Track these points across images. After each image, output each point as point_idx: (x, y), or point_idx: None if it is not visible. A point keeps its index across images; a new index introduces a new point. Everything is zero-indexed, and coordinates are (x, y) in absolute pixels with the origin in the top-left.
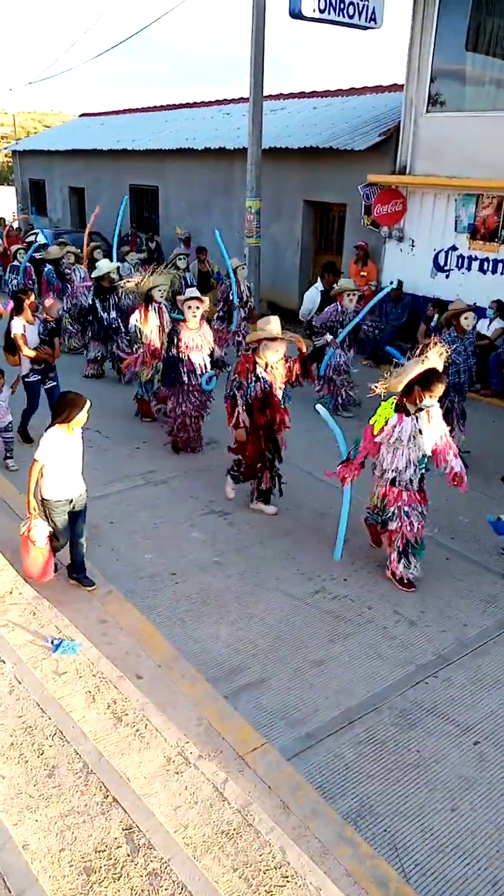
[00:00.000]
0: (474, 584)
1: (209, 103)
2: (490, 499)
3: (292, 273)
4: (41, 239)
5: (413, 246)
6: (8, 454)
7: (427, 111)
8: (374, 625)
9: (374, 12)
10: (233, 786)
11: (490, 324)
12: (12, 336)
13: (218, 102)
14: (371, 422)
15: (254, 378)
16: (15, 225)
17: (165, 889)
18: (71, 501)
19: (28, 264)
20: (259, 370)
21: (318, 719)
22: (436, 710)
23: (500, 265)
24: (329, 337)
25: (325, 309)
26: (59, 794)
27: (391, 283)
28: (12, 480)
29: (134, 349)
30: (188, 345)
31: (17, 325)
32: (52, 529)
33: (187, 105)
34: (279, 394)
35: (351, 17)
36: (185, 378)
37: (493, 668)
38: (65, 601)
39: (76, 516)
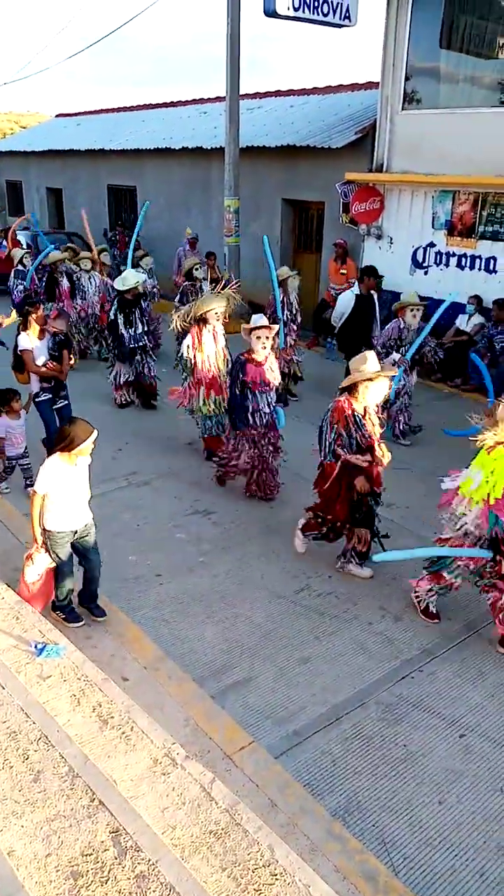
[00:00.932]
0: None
1: (186, 102)
2: None
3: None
4: (22, 240)
5: (391, 243)
6: (28, 482)
7: (403, 108)
8: (360, 621)
9: (348, 10)
10: (220, 786)
11: (469, 319)
12: (20, 352)
13: (195, 102)
14: (485, 491)
15: (355, 427)
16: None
17: (154, 891)
18: (75, 532)
19: (32, 269)
20: (357, 416)
21: (304, 717)
22: (421, 704)
23: (478, 261)
24: (396, 356)
25: (388, 326)
26: (44, 799)
27: (450, 294)
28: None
29: (184, 381)
30: (255, 382)
31: (25, 341)
32: (53, 563)
33: (164, 105)
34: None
35: (325, 15)
36: (254, 420)
37: (477, 661)
38: (49, 605)
39: (87, 549)
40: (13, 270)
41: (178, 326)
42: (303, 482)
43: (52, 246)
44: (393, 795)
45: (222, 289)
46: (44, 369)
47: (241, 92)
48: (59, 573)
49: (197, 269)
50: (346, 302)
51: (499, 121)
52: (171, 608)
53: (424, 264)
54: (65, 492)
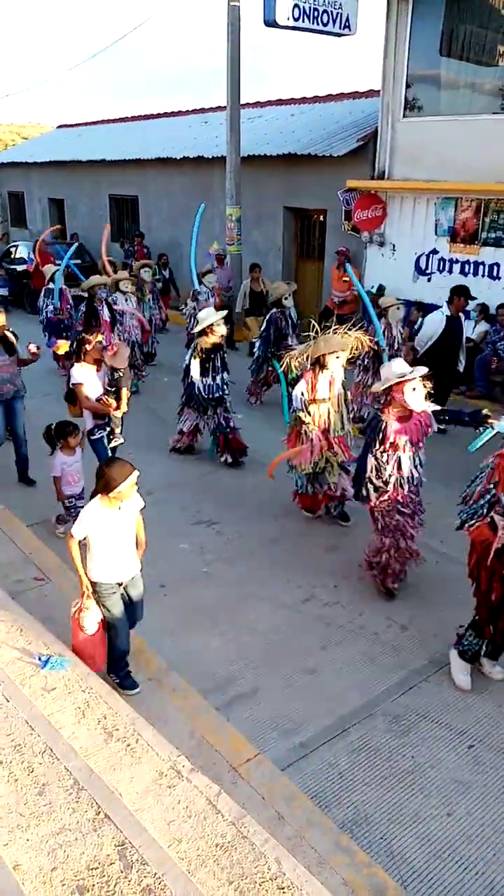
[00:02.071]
0: (464, 587)
1: (187, 112)
2: None
3: (274, 279)
4: (22, 251)
5: (394, 250)
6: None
7: (404, 116)
8: (366, 631)
9: (348, 19)
10: (226, 798)
11: (475, 326)
12: (72, 385)
13: (196, 111)
14: None
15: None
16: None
17: None
18: (122, 584)
19: (63, 287)
20: None
21: (311, 728)
22: (429, 715)
23: (481, 267)
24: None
25: None
26: (49, 812)
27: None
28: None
29: (300, 433)
30: (397, 443)
31: (79, 373)
32: (104, 616)
33: (165, 114)
34: None
35: (325, 24)
36: (398, 489)
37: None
38: (53, 617)
39: (129, 601)
40: (44, 289)
41: (293, 367)
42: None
43: (68, 262)
44: (401, 807)
45: (264, 303)
46: (94, 406)
47: (242, 101)
48: (110, 628)
49: (287, 298)
50: (434, 323)
51: (500, 127)
52: (175, 619)
53: (427, 271)
54: (107, 539)
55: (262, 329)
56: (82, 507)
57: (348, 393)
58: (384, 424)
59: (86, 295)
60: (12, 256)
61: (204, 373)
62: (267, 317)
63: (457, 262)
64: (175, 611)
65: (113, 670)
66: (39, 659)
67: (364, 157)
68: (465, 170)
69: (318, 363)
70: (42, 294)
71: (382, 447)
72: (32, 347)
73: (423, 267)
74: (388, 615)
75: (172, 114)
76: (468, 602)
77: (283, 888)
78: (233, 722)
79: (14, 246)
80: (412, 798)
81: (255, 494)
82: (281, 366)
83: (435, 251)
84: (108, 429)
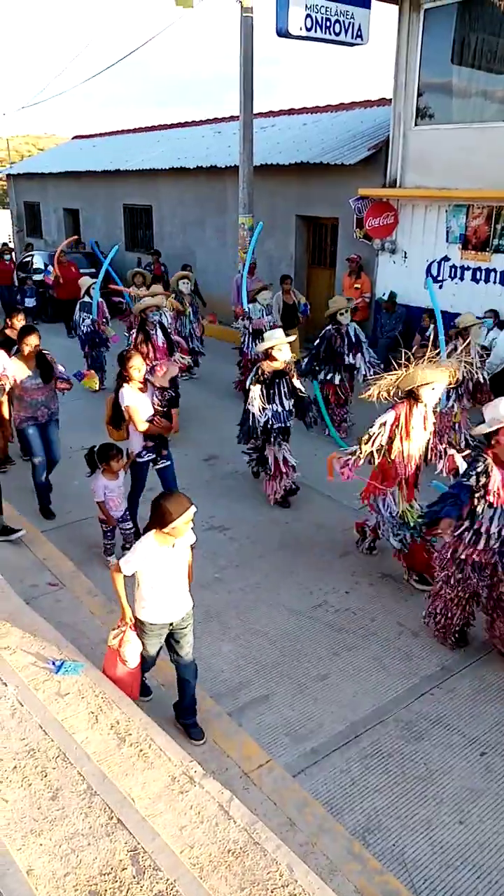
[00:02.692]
0: None
1: (200, 122)
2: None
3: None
4: (38, 261)
5: (406, 257)
6: (127, 545)
7: (415, 124)
8: (378, 637)
9: (360, 29)
10: (238, 804)
11: (487, 333)
12: (124, 407)
13: (209, 121)
14: None
15: None
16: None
17: None
18: (170, 625)
19: (101, 300)
20: None
21: (323, 734)
22: (441, 721)
23: (493, 274)
24: None
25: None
26: (63, 817)
27: None
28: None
29: (378, 464)
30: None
31: (129, 395)
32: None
33: (179, 125)
34: None
35: (337, 34)
36: (491, 540)
37: (497, 678)
38: (67, 622)
39: (180, 643)
40: (80, 302)
41: (383, 397)
42: (316, 494)
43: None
44: (413, 814)
45: (296, 315)
46: (153, 426)
47: (255, 111)
48: (145, 663)
49: (343, 314)
50: None
51: None
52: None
53: (439, 278)
54: (159, 577)
55: (314, 345)
56: (127, 530)
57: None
58: (489, 469)
59: (122, 305)
60: (29, 266)
61: (267, 400)
62: (321, 332)
63: (468, 269)
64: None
65: (180, 716)
66: (53, 664)
67: (376, 165)
68: (476, 177)
69: (413, 395)
70: (78, 308)
71: (481, 495)
72: (63, 384)
73: (435, 274)
74: (400, 621)
75: (185, 124)
76: (480, 610)
77: (294, 895)
78: (244, 727)
79: (30, 255)
80: (424, 805)
81: (265, 502)
82: (366, 393)
83: (447, 258)
84: (155, 452)
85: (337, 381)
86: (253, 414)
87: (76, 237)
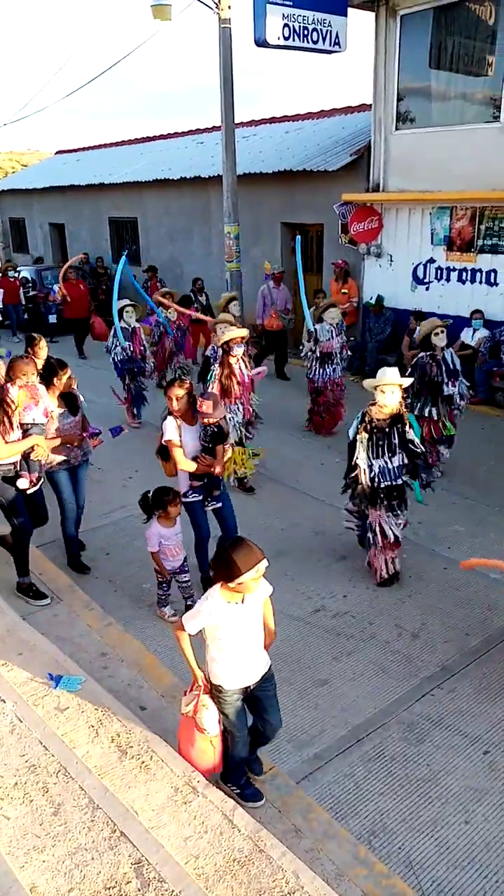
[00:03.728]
0: (473, 592)
1: (183, 134)
2: (485, 507)
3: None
4: (28, 276)
5: (392, 261)
6: (188, 601)
7: (396, 129)
8: (377, 640)
9: (337, 36)
10: (242, 812)
11: (474, 333)
12: (164, 442)
13: (191, 132)
14: None
15: None
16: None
17: None
18: (248, 688)
19: (137, 325)
20: None
21: (325, 739)
22: (443, 722)
23: (479, 274)
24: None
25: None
26: (65, 832)
27: None
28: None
29: None
30: None
31: (170, 428)
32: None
33: (161, 137)
34: None
35: (315, 42)
36: None
37: (498, 676)
38: (64, 636)
39: (264, 701)
40: (113, 329)
41: None
42: (311, 499)
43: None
44: (418, 816)
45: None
46: (192, 467)
47: (237, 121)
48: (227, 736)
49: (438, 334)
50: None
51: (492, 136)
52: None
53: (425, 280)
54: (229, 638)
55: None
56: (184, 582)
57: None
58: None
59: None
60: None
61: (376, 453)
62: (413, 362)
63: (454, 270)
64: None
65: (230, 780)
66: (52, 678)
67: (359, 170)
68: (458, 179)
69: None
70: (111, 334)
71: None
72: (96, 441)
73: (421, 276)
74: (399, 623)
75: (168, 136)
76: (478, 608)
77: None
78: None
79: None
80: (429, 806)
81: (262, 509)
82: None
83: (432, 260)
84: (204, 491)
85: (435, 416)
86: (364, 471)
87: (85, 255)
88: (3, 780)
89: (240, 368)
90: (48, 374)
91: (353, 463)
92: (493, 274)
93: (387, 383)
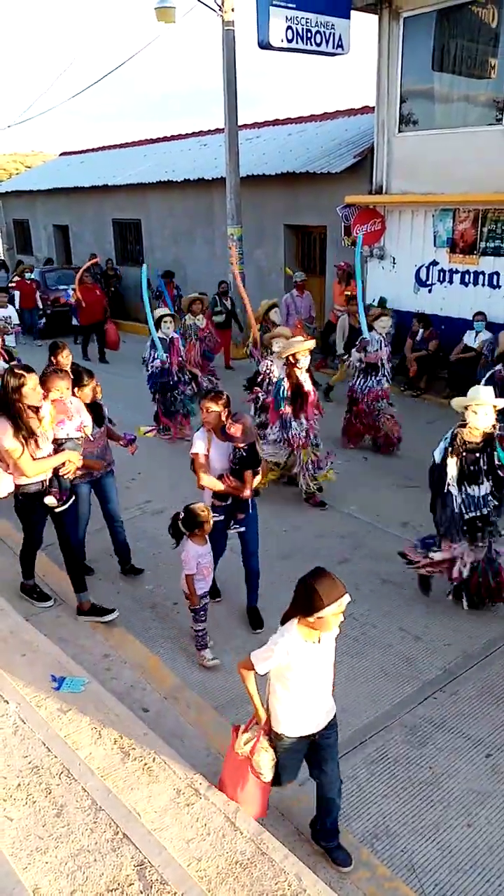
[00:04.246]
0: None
1: (186, 136)
2: None
3: (278, 296)
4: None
5: (394, 263)
6: (200, 632)
7: (399, 131)
8: (380, 643)
9: (340, 39)
10: (244, 815)
11: (477, 336)
12: (191, 454)
13: (195, 134)
14: None
15: None
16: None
17: None
18: (310, 736)
19: (175, 335)
20: None
21: None
22: (445, 725)
23: (482, 277)
24: None
25: None
26: (68, 834)
27: None
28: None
29: None
30: None
31: (198, 442)
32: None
33: (165, 139)
34: None
35: (318, 45)
36: None
37: (500, 679)
38: (67, 638)
39: (322, 753)
40: (150, 340)
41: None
42: (309, 506)
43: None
44: (421, 819)
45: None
46: (216, 485)
47: (240, 123)
48: (279, 778)
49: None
50: None
51: (495, 138)
52: (188, 636)
53: (428, 282)
54: (301, 680)
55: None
56: (201, 616)
57: None
58: None
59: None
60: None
61: (468, 478)
62: (488, 374)
63: (457, 272)
64: (188, 627)
65: (321, 838)
66: (54, 680)
67: (361, 172)
68: (461, 181)
69: None
70: (148, 345)
71: None
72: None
73: (424, 278)
74: (401, 626)
75: (172, 137)
76: (480, 612)
77: None
78: None
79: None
80: (432, 809)
81: (265, 511)
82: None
83: (435, 262)
84: (226, 513)
85: None
86: (455, 498)
87: (96, 258)
88: (6, 782)
89: (306, 381)
90: (73, 383)
91: (444, 490)
92: (495, 276)
93: (480, 403)
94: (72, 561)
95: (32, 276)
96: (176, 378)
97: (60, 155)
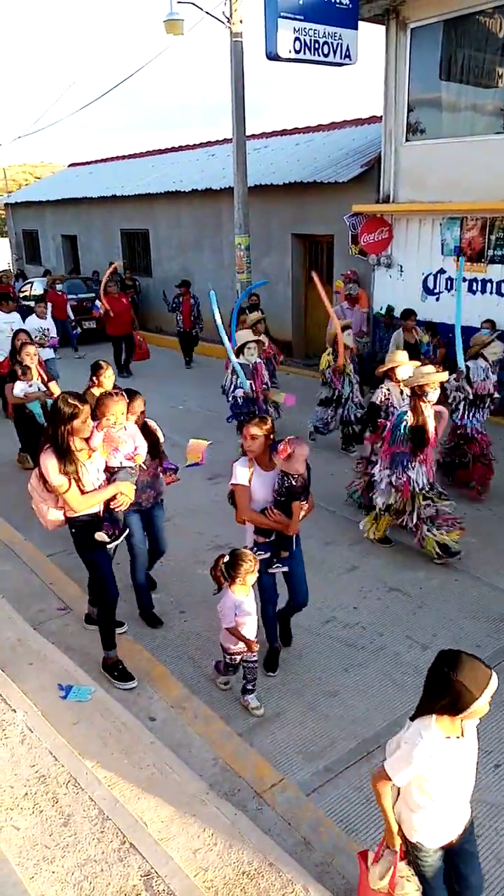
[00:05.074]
0: (485, 604)
1: (194, 146)
2: (497, 518)
3: (285, 306)
4: (38, 288)
5: (402, 271)
6: (249, 684)
7: (407, 140)
8: (387, 651)
9: (348, 49)
10: (252, 825)
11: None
12: (231, 485)
13: (203, 145)
14: None
15: None
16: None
17: None
18: (451, 844)
19: (259, 360)
20: None
21: (335, 752)
22: None
23: (489, 285)
24: None
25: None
26: (75, 844)
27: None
28: (15, 523)
29: None
30: None
31: (239, 472)
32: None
33: (173, 149)
34: None
35: (326, 55)
36: None
37: None
38: (74, 646)
39: (462, 858)
40: (231, 365)
41: None
42: (322, 510)
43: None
44: None
45: (418, 356)
46: (257, 518)
47: (247, 133)
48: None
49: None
50: None
51: (502, 147)
52: (195, 644)
53: (435, 290)
54: (446, 780)
55: None
56: (251, 663)
57: None
58: None
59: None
60: (27, 294)
61: None
62: None
63: (464, 280)
64: (195, 636)
65: None
66: (61, 688)
67: (369, 181)
68: (469, 190)
69: None
70: (229, 370)
71: None
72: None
73: (431, 287)
74: (409, 635)
75: (180, 148)
76: (488, 620)
77: None
78: (256, 747)
79: (29, 283)
80: None
81: None
82: None
83: (442, 271)
84: (271, 550)
85: None
86: None
87: (115, 265)
88: (13, 791)
89: (430, 419)
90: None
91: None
92: (503, 284)
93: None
94: (106, 610)
95: (63, 288)
96: (264, 407)
97: (69, 166)
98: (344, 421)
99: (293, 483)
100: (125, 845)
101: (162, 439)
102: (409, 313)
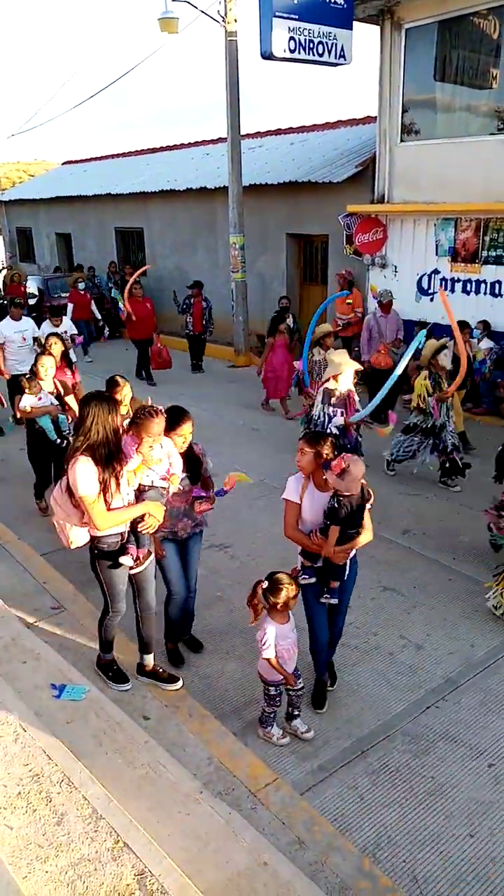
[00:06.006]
0: (479, 603)
1: (189, 145)
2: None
3: (275, 304)
4: (31, 286)
5: (396, 272)
6: (295, 711)
7: (401, 140)
8: (381, 651)
9: (343, 49)
10: (246, 824)
11: (478, 344)
12: (283, 498)
13: (198, 144)
14: None
15: None
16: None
17: None
18: None
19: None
20: None
21: (329, 751)
22: (447, 734)
23: (483, 285)
24: None
25: None
26: (68, 843)
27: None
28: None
29: None
30: None
31: (291, 488)
32: None
33: (168, 148)
34: None
35: (321, 55)
36: None
37: (502, 688)
38: (68, 646)
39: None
40: (321, 390)
41: None
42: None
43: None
44: (423, 829)
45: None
46: (305, 538)
47: (242, 132)
48: None
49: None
50: None
51: (496, 148)
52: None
53: (430, 291)
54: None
55: None
56: (298, 690)
57: None
58: None
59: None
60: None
61: None
62: None
63: (458, 281)
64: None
65: None
66: (55, 688)
67: (363, 181)
68: (463, 191)
69: None
70: (319, 399)
71: None
72: (204, 506)
73: (426, 287)
74: (403, 634)
75: (174, 147)
76: (483, 620)
77: None
78: (250, 747)
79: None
80: (434, 819)
81: (266, 518)
82: None
83: (436, 271)
84: (318, 577)
85: None
86: None
87: (148, 267)
88: (6, 790)
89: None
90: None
91: None
92: (497, 285)
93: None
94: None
95: (84, 286)
96: (355, 440)
97: (63, 164)
98: (442, 450)
99: (336, 505)
100: (119, 844)
101: (208, 465)
102: (463, 324)
